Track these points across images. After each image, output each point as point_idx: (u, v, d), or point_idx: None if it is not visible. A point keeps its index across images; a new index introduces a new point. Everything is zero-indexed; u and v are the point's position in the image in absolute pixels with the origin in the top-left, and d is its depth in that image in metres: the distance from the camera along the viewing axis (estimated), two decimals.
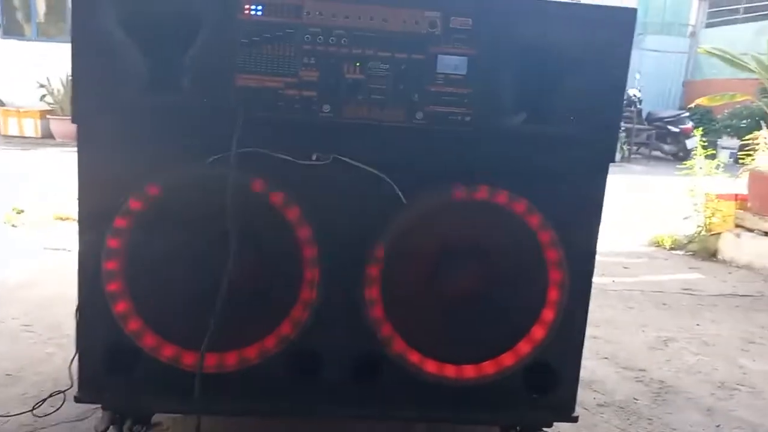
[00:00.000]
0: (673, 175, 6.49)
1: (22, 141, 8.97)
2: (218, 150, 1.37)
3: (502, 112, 1.43)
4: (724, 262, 4.18)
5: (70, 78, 8.13)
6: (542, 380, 1.54)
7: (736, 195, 4.33)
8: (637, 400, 2.06)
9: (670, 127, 12.03)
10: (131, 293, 1.42)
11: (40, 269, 3.02)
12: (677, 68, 15.55)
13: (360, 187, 1.43)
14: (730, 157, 9.07)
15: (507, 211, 1.47)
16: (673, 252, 4.42)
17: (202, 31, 1.34)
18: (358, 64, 1.38)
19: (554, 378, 1.54)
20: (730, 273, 3.92)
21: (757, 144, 4.47)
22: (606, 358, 2.39)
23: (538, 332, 1.52)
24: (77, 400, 1.46)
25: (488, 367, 1.53)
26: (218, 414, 1.58)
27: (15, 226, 3.88)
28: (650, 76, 13.49)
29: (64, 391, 1.53)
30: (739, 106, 10.35)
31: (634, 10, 1.46)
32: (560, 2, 1.42)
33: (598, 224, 1.50)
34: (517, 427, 1.63)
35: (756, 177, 4.23)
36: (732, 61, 4.95)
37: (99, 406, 1.53)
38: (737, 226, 4.26)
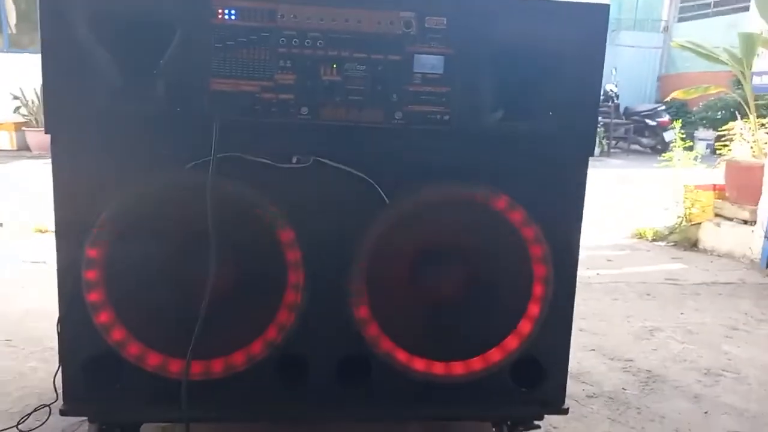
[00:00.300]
0: (652, 168, 6.57)
1: None
2: (196, 156, 1.36)
3: (481, 110, 1.44)
4: (705, 251, 4.24)
5: None
6: (531, 374, 1.54)
7: (714, 185, 4.39)
8: (625, 390, 2.08)
9: (647, 120, 12.20)
10: (113, 303, 1.40)
11: (20, 282, 2.97)
12: (652, 63, 15.76)
13: (341, 188, 1.43)
14: (707, 148, 9.20)
15: (489, 208, 1.48)
16: (655, 243, 4.47)
17: (175, 36, 1.33)
18: (334, 65, 1.38)
19: (543, 371, 1.55)
20: (711, 262, 3.97)
21: (733, 135, 4.54)
22: (593, 349, 2.41)
23: (524, 327, 1.52)
24: (63, 413, 1.43)
25: (476, 364, 1.53)
26: (206, 421, 1.56)
27: None
28: (626, 72, 13.66)
29: (50, 404, 1.51)
30: (713, 98, 10.51)
31: (606, 6, 1.47)
32: (534, 0, 1.43)
33: (581, 218, 1.51)
34: (508, 422, 1.63)
35: (732, 167, 4.30)
36: (705, 54, 5.03)
37: (85, 418, 1.51)
38: (716, 215, 4.32)
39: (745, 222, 4.06)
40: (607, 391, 2.05)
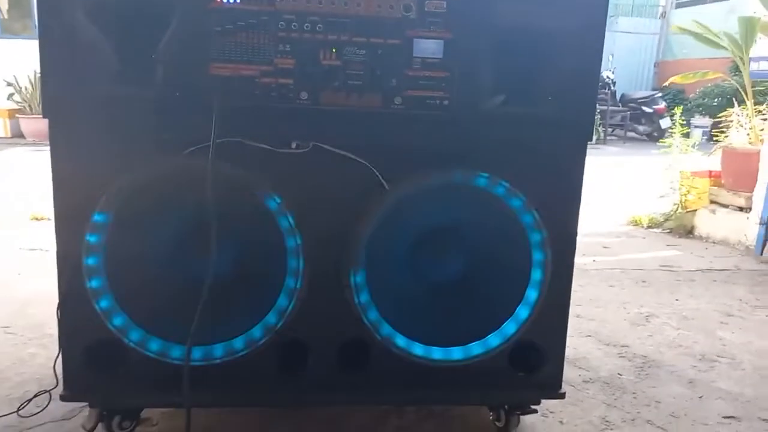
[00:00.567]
0: (649, 155, 6.59)
1: None
2: (195, 141, 1.35)
3: (480, 95, 1.44)
4: (700, 238, 4.26)
5: (38, 76, 7.93)
6: (528, 359, 1.56)
7: (710, 172, 4.41)
8: (621, 375, 2.09)
9: (644, 107, 12.20)
10: (113, 289, 1.40)
11: (17, 270, 2.97)
12: (649, 49, 15.73)
13: (341, 173, 1.43)
14: (703, 136, 9.23)
15: (488, 193, 1.48)
16: (651, 230, 4.49)
17: (173, 20, 1.32)
18: (334, 50, 1.37)
19: (540, 356, 1.56)
20: (706, 248, 3.99)
21: (730, 121, 4.55)
22: (589, 335, 2.43)
23: (522, 312, 1.53)
24: (63, 398, 1.44)
25: (475, 348, 1.54)
26: (207, 406, 1.58)
27: None
28: (622, 58, 13.64)
29: (50, 390, 1.51)
30: (710, 85, 10.51)
31: None
32: None
33: (579, 203, 1.52)
34: (506, 406, 1.65)
35: (729, 154, 4.30)
36: (705, 39, 5.02)
37: (86, 404, 1.52)
38: (712, 202, 4.34)
39: (741, 209, 4.08)
40: (603, 377, 2.07)
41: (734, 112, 4.55)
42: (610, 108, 11.90)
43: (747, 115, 4.45)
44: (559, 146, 1.48)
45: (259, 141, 1.39)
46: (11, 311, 2.40)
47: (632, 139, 12.28)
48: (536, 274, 1.52)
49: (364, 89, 1.39)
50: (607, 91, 11.80)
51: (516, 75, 1.46)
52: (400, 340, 1.50)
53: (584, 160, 1.51)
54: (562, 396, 1.59)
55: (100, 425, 1.49)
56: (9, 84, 9.09)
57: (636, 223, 4.63)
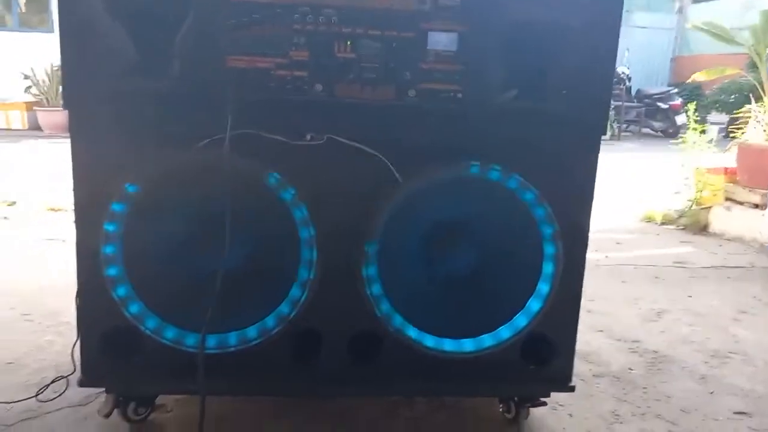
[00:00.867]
0: (664, 152, 6.54)
1: (9, 133, 8.89)
2: (211, 133, 1.37)
3: (494, 89, 1.44)
4: (714, 235, 4.23)
5: (55, 69, 8.01)
6: (539, 352, 1.56)
7: (726, 169, 4.37)
8: (632, 370, 2.10)
9: (659, 103, 12.07)
10: (130, 277, 1.43)
11: (35, 260, 3.02)
12: (665, 44, 15.56)
13: (355, 166, 1.44)
14: (720, 132, 9.11)
15: (501, 186, 1.48)
16: (665, 227, 4.46)
17: (190, 12, 1.34)
18: (348, 42, 1.38)
19: (551, 349, 1.57)
20: (720, 245, 3.96)
21: (747, 118, 4.50)
22: (601, 330, 2.42)
23: (534, 305, 1.54)
24: (80, 384, 1.47)
25: (486, 340, 1.55)
26: (220, 394, 1.60)
27: (7, 218, 3.86)
28: (638, 53, 13.50)
29: (67, 376, 1.55)
30: (727, 81, 10.38)
31: None
32: None
33: (591, 198, 1.52)
34: (515, 398, 1.66)
35: (745, 150, 4.26)
36: (721, 36, 4.97)
37: (102, 390, 1.55)
38: (727, 199, 4.30)
39: (756, 206, 4.04)
40: (613, 371, 2.07)
41: (751, 109, 4.50)
42: (625, 104, 11.80)
43: (764, 112, 4.40)
44: (572, 142, 1.48)
45: (274, 133, 1.40)
46: (29, 299, 2.44)
47: (647, 135, 12.17)
48: (548, 268, 1.53)
49: (379, 82, 1.40)
50: (622, 86, 11.69)
51: (529, 69, 1.46)
52: (412, 332, 1.51)
53: (597, 155, 1.51)
54: (572, 389, 1.60)
55: (115, 411, 1.52)
56: (26, 77, 9.19)
57: (650, 220, 4.60)
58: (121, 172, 1.37)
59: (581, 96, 1.46)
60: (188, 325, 1.45)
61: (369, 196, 1.44)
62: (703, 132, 4.82)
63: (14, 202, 4.18)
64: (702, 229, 4.33)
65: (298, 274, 1.48)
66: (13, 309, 2.35)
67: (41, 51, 8.50)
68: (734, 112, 4.87)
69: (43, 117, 9.08)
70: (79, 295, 1.44)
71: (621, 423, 1.74)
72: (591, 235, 1.52)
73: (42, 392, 1.64)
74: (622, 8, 1.45)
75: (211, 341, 1.46)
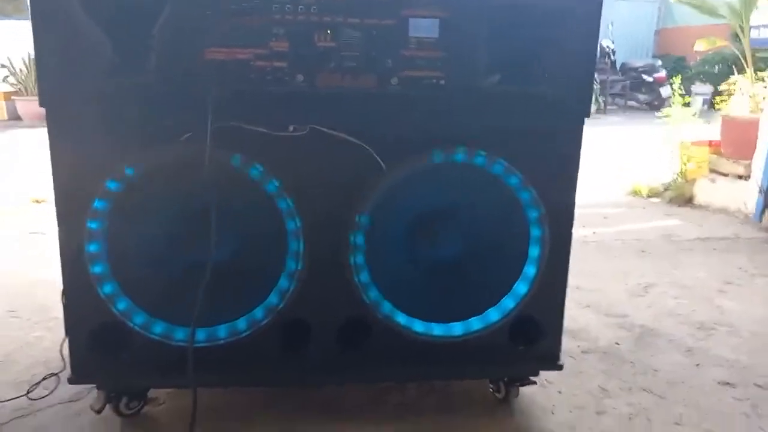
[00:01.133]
0: (649, 124, 6.56)
1: None
2: (193, 126, 1.35)
3: (476, 74, 1.44)
4: (700, 207, 4.27)
5: (32, 57, 7.82)
6: (528, 333, 1.58)
7: (710, 141, 4.40)
8: (619, 344, 2.13)
9: (644, 76, 12.09)
10: (116, 274, 1.42)
11: (21, 253, 3.00)
12: (649, 17, 15.51)
13: (339, 155, 1.43)
14: (704, 104, 9.18)
15: (486, 171, 1.49)
16: (651, 200, 4.50)
17: (166, 5, 1.31)
18: (329, 31, 1.37)
19: (539, 330, 1.58)
20: (706, 217, 4.01)
21: (733, 89, 4.52)
22: (588, 306, 2.45)
23: (521, 288, 1.55)
24: (71, 381, 1.47)
25: (475, 323, 1.56)
26: (212, 386, 1.60)
27: None
28: (622, 26, 13.46)
29: (58, 373, 1.54)
30: (710, 52, 10.40)
31: None
32: None
33: (576, 180, 1.53)
34: (505, 378, 1.68)
35: (728, 122, 4.29)
36: (704, 8, 4.97)
37: (93, 385, 1.55)
38: (712, 171, 4.34)
39: (740, 177, 4.08)
40: (601, 347, 2.10)
41: (735, 80, 4.52)
42: (610, 78, 11.80)
43: (748, 83, 4.42)
44: (556, 123, 1.49)
45: (257, 125, 1.39)
46: (16, 294, 2.43)
47: (632, 108, 12.20)
48: (534, 251, 1.54)
49: (360, 70, 1.39)
50: (607, 60, 11.69)
51: (512, 53, 1.45)
52: (401, 318, 1.53)
53: (581, 137, 1.51)
54: (560, 368, 1.62)
55: (108, 406, 1.52)
56: (3, 66, 9.01)
57: (636, 193, 4.64)
58: (101, 170, 1.36)
59: (564, 79, 1.46)
60: (176, 320, 1.45)
61: (353, 185, 1.44)
62: (687, 105, 4.84)
63: None
64: (687, 201, 4.37)
65: (286, 265, 1.48)
66: None
67: (16, 39, 8.30)
68: (719, 83, 4.88)
69: (23, 106, 8.92)
70: (65, 293, 1.43)
71: (610, 398, 1.77)
72: (578, 211, 1.53)
73: (33, 390, 1.64)
74: None
75: (201, 335, 1.46)
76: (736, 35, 4.84)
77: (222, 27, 1.33)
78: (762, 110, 4.04)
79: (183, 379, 1.38)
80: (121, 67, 1.34)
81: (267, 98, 1.38)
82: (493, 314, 1.57)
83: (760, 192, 3.78)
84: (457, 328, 1.56)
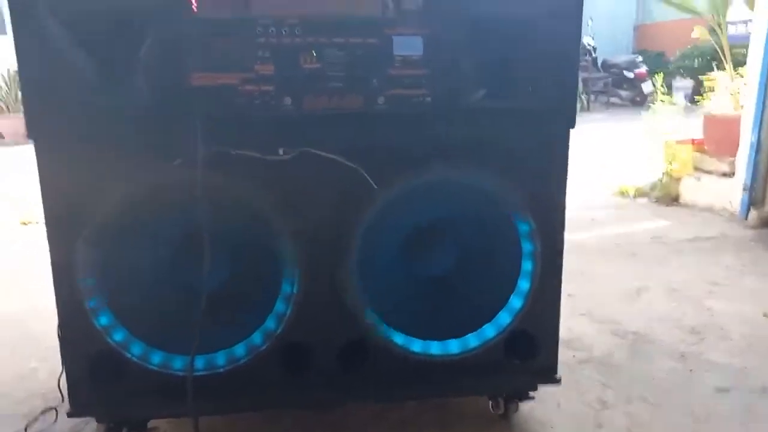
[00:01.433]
0: (632, 120, 6.62)
1: None
2: (183, 152, 1.35)
3: (462, 90, 1.44)
4: (686, 206, 4.30)
5: (12, 74, 7.69)
6: (524, 347, 1.59)
7: (693, 140, 4.44)
8: (614, 354, 2.14)
9: (625, 72, 12.17)
10: (111, 306, 1.41)
11: (11, 279, 2.96)
12: (628, 12, 15.64)
13: (330, 177, 1.43)
14: (685, 98, 9.26)
15: (476, 187, 1.50)
16: (638, 200, 4.53)
17: (150, 30, 1.31)
18: (313, 53, 1.37)
19: (536, 344, 1.59)
20: (693, 216, 4.04)
21: (712, 85, 4.57)
22: (582, 314, 2.47)
23: (516, 302, 1.56)
24: (70, 415, 1.46)
25: (471, 340, 1.57)
26: (213, 414, 1.60)
27: None
28: (602, 23, 13.55)
29: (56, 407, 1.53)
30: (689, 46, 10.52)
31: None
32: None
33: (564, 191, 1.54)
34: (504, 394, 1.68)
35: (710, 120, 4.34)
36: (681, 6, 5.03)
37: (93, 418, 1.54)
38: (696, 169, 4.37)
39: (725, 175, 4.12)
40: (597, 357, 2.12)
41: (715, 77, 4.57)
42: (592, 75, 11.88)
43: (728, 80, 4.46)
44: (543, 136, 1.50)
45: (247, 150, 1.39)
46: (6, 325, 2.40)
47: (615, 104, 12.28)
48: (527, 265, 1.55)
49: (347, 91, 1.39)
50: (588, 58, 11.77)
51: (496, 67, 1.46)
52: (399, 338, 1.53)
53: (568, 148, 1.52)
54: (558, 381, 1.63)
55: None
56: None
57: (623, 194, 4.67)
58: (92, 200, 1.35)
59: (548, 90, 1.47)
60: (174, 349, 1.45)
61: (345, 206, 1.44)
62: (671, 103, 4.89)
63: None
64: (674, 200, 4.41)
65: (282, 289, 1.48)
66: None
67: None
68: (698, 77, 4.93)
69: (4, 124, 8.81)
70: (61, 326, 1.42)
71: (608, 409, 1.79)
72: (567, 214, 1.53)
73: (33, 424, 1.62)
74: (582, 4, 1.46)
75: (199, 362, 1.45)
76: (713, 30, 4.89)
77: (207, 52, 1.33)
78: (743, 107, 4.10)
79: (183, 408, 1.38)
80: (108, 95, 1.33)
81: (256, 122, 1.38)
82: (489, 330, 1.57)
83: (745, 189, 3.83)
84: (454, 346, 1.57)
